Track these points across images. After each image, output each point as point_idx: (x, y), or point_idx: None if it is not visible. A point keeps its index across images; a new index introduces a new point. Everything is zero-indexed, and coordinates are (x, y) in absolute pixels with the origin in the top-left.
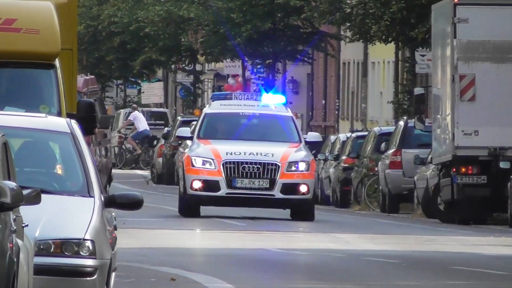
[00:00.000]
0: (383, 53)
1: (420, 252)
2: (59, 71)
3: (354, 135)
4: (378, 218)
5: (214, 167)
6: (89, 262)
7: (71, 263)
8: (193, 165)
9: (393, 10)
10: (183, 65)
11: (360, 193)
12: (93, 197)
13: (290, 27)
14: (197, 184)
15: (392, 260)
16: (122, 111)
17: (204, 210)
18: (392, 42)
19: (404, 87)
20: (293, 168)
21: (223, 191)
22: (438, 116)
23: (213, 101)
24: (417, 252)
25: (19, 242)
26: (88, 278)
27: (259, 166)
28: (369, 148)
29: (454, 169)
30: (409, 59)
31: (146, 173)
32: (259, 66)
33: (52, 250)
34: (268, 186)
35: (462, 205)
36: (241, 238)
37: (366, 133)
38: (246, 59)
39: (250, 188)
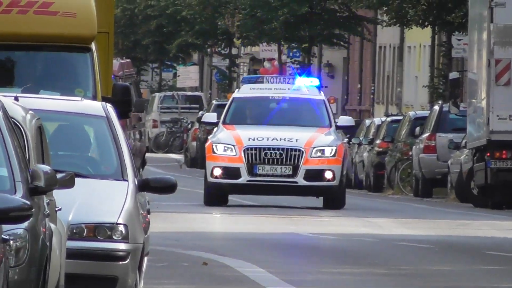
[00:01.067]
0: (420, 37)
1: (453, 236)
2: (95, 54)
3: (389, 119)
4: (411, 202)
5: (235, 153)
6: (122, 246)
7: (103, 247)
8: (214, 152)
9: None
10: (219, 49)
11: (393, 178)
12: (127, 180)
13: (327, 11)
14: (217, 172)
15: (425, 245)
16: (157, 95)
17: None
18: (429, 26)
19: (440, 71)
20: (318, 154)
21: (244, 178)
22: (473, 100)
23: (243, 84)
24: (450, 237)
25: (52, 226)
26: (120, 263)
27: (281, 152)
28: (403, 132)
29: (488, 154)
30: (445, 43)
31: (180, 156)
32: (295, 50)
33: (85, 234)
34: (291, 172)
35: (495, 189)
36: (272, 222)
37: (401, 117)
38: (282, 43)
39: (272, 175)
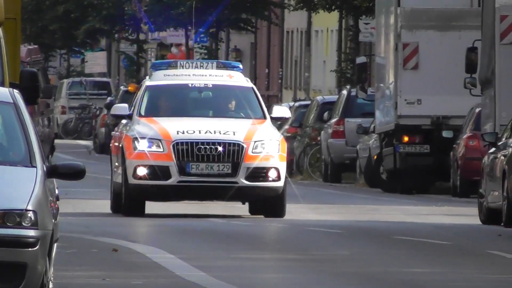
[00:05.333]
0: (327, 21)
1: (363, 221)
2: (2, 40)
3: (297, 104)
4: (320, 187)
5: (162, 150)
6: (31, 232)
7: (12, 234)
8: (135, 148)
9: None
10: (127, 34)
11: (302, 163)
12: (36, 167)
13: None
14: (141, 171)
15: (335, 230)
16: (65, 81)
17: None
18: (336, 11)
19: (347, 56)
20: (260, 149)
21: (175, 178)
22: (381, 85)
23: (154, 71)
24: (360, 222)
25: None
26: (30, 249)
27: (218, 146)
28: (312, 117)
29: (397, 138)
30: (353, 28)
31: (89, 143)
32: (202, 35)
33: None
34: (230, 171)
35: (404, 174)
36: (183, 208)
37: (309, 102)
38: (189, 28)
39: (208, 175)
